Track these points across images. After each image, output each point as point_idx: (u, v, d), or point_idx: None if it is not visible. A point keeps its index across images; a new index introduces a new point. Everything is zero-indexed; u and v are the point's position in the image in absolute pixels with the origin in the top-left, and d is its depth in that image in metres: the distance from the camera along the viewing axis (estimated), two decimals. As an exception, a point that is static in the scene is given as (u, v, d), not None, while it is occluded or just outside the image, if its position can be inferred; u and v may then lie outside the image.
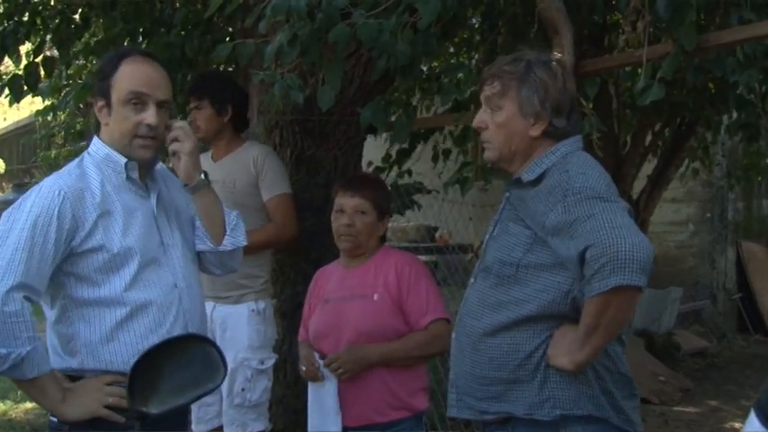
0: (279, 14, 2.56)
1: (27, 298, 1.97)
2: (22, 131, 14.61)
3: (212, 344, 2.07)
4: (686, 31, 2.53)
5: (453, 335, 2.17)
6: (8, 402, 5.91)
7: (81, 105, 5.07)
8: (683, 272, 8.18)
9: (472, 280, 2.17)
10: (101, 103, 2.15)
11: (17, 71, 4.07)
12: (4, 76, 4.15)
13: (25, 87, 3.95)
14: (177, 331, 2.13)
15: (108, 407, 2.02)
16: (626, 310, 1.89)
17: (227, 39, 3.98)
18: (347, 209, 2.73)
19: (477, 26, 4.29)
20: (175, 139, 2.22)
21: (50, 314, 2.11)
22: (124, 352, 2.05)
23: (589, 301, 1.87)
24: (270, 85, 2.75)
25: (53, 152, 6.50)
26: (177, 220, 2.27)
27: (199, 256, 2.36)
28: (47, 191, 2.04)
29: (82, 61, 4.93)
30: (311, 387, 2.71)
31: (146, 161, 2.18)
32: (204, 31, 4.04)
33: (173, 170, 2.35)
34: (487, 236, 2.18)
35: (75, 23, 4.27)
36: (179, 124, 2.25)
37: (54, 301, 2.09)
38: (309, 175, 3.79)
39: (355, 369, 2.61)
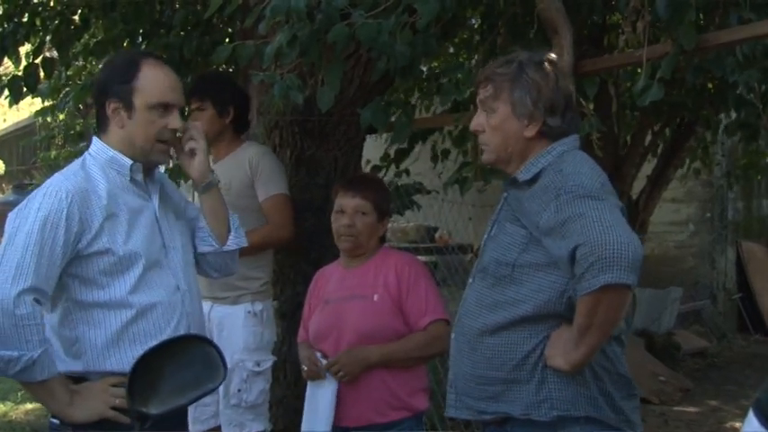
0: (278, 15, 2.56)
1: (37, 301, 1.96)
2: (22, 133, 14.61)
3: (212, 344, 2.07)
4: (685, 31, 2.53)
5: (452, 335, 2.18)
6: (8, 403, 5.91)
7: (81, 106, 5.07)
8: (683, 272, 8.18)
9: (470, 280, 2.17)
10: (117, 105, 2.13)
11: (17, 72, 4.07)
12: (4, 78, 4.15)
13: (25, 88, 3.95)
14: (181, 333, 2.13)
15: (114, 408, 2.03)
16: (617, 309, 1.88)
17: (227, 40, 3.98)
18: (348, 209, 2.73)
19: (476, 26, 4.29)
20: (191, 138, 2.25)
21: (51, 317, 2.10)
22: (130, 354, 2.04)
23: (580, 300, 1.87)
24: (269, 86, 2.76)
25: (53, 153, 6.50)
26: (177, 222, 2.28)
27: (198, 259, 2.36)
28: (54, 192, 2.02)
29: (81, 62, 4.93)
30: (310, 387, 2.71)
31: (161, 165, 2.20)
32: (203, 32, 4.05)
33: (173, 171, 2.36)
34: (485, 236, 2.18)
35: (75, 24, 4.27)
36: (194, 124, 2.29)
37: (56, 303, 2.08)
38: (309, 175, 3.79)
39: (355, 371, 2.61)
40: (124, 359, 2.04)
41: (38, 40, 4.24)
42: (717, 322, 8.07)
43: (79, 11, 4.26)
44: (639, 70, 2.72)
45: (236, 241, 2.40)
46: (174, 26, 4.06)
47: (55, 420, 2.08)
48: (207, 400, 3.13)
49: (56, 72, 4.48)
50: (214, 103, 3.38)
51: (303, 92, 2.75)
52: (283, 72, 2.70)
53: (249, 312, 3.36)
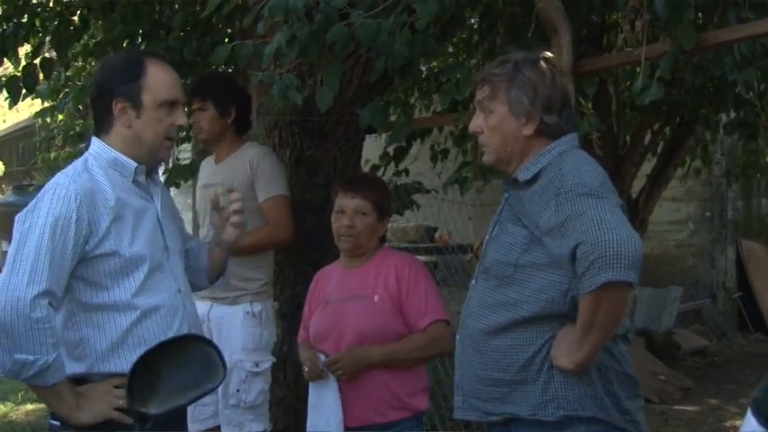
0: (276, 15, 2.56)
1: (50, 304, 1.95)
2: (22, 133, 14.60)
3: (211, 344, 2.07)
4: (684, 30, 2.53)
5: (457, 337, 2.18)
6: (8, 404, 5.91)
7: (80, 107, 5.07)
8: (683, 271, 8.18)
9: (473, 281, 2.17)
10: (124, 104, 2.12)
11: (16, 73, 4.07)
12: (3, 78, 4.15)
13: (23, 89, 3.95)
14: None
15: (117, 409, 2.03)
16: (619, 307, 1.88)
17: (226, 40, 3.98)
18: (347, 210, 2.73)
19: (475, 26, 4.29)
20: (238, 212, 2.34)
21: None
22: (133, 357, 2.02)
23: (582, 299, 1.87)
24: (269, 87, 2.76)
25: (53, 154, 6.49)
26: (173, 224, 2.28)
27: None
28: (63, 194, 2.01)
29: (81, 63, 4.93)
30: (312, 387, 2.71)
31: (165, 162, 2.20)
32: (203, 33, 4.05)
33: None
34: (487, 237, 2.18)
35: (74, 25, 4.26)
36: (238, 195, 2.37)
37: (59, 305, 2.07)
38: (309, 175, 3.79)
39: (355, 371, 2.62)
40: (127, 361, 2.03)
41: (37, 41, 4.24)
42: (717, 321, 8.07)
43: (78, 11, 4.26)
44: (639, 69, 2.72)
45: (223, 281, 2.52)
46: (173, 28, 4.06)
47: (55, 422, 2.08)
48: (206, 399, 3.13)
49: (55, 73, 4.48)
50: (215, 103, 3.38)
51: (302, 92, 2.75)
52: (282, 72, 2.70)
53: (248, 313, 3.36)
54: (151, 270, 2.11)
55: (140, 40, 4.30)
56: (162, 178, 2.66)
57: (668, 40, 2.65)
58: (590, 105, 3.02)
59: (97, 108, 2.18)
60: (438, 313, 2.67)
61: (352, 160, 3.91)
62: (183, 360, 1.96)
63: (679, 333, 7.38)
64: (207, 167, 3.61)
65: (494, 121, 2.08)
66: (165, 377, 1.93)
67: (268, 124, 3.86)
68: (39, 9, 4.18)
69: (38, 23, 4.15)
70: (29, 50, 4.30)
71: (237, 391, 3.30)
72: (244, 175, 3.38)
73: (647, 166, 5.90)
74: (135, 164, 2.14)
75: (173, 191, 3.92)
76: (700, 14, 3.03)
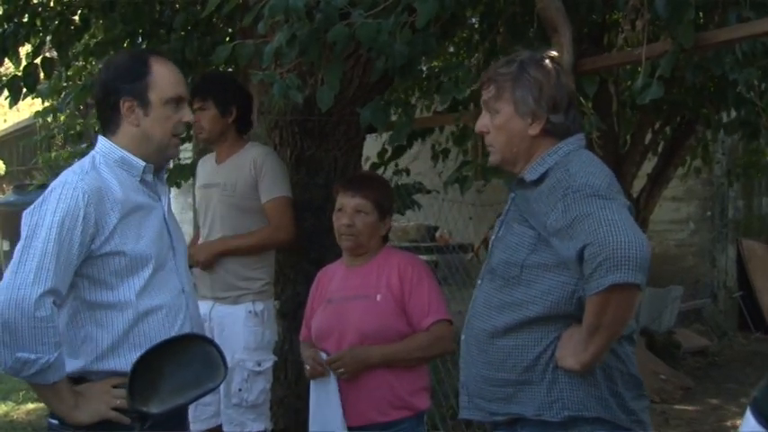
0: (277, 14, 2.56)
1: (54, 303, 1.95)
2: (22, 133, 14.61)
3: (212, 343, 2.07)
4: (685, 30, 2.53)
5: (462, 337, 2.18)
6: (9, 404, 5.92)
7: (81, 107, 5.07)
8: (684, 270, 8.17)
9: (479, 281, 2.17)
10: (131, 103, 2.12)
11: (17, 73, 4.07)
12: (4, 78, 4.15)
13: (24, 89, 3.95)
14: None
15: (115, 409, 2.02)
16: (626, 309, 1.88)
17: (227, 40, 3.98)
18: (347, 209, 2.73)
19: (476, 26, 4.29)
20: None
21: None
22: (135, 355, 2.03)
23: (589, 300, 1.87)
24: (269, 86, 2.76)
25: (53, 154, 6.50)
26: (175, 223, 2.28)
27: None
28: (71, 192, 2.00)
29: (81, 63, 4.93)
30: (314, 386, 2.71)
31: (174, 159, 2.21)
32: (204, 33, 4.05)
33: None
34: (493, 237, 2.18)
35: (75, 25, 4.27)
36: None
37: (63, 303, 2.06)
38: (309, 175, 3.79)
39: (356, 369, 2.62)
40: (128, 360, 2.03)
41: (38, 41, 4.24)
42: (717, 320, 8.07)
43: (79, 11, 4.26)
44: (639, 69, 2.72)
45: None
46: (174, 28, 4.06)
47: (54, 420, 2.08)
48: (207, 399, 3.14)
49: (56, 72, 4.48)
50: (216, 102, 3.38)
51: (303, 91, 2.75)
52: (283, 72, 2.70)
53: (250, 312, 3.36)
54: (156, 269, 2.11)
55: (141, 39, 4.30)
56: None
57: (669, 40, 2.65)
58: (590, 105, 3.02)
59: (103, 107, 2.18)
60: (441, 313, 2.67)
61: (352, 160, 3.91)
62: (184, 359, 1.97)
63: (680, 332, 7.37)
64: (206, 167, 3.60)
65: (499, 120, 2.08)
66: (167, 376, 1.93)
67: (269, 124, 3.86)
68: (39, 9, 4.18)
69: (38, 23, 4.15)
70: (29, 50, 4.30)
71: (239, 390, 3.30)
72: (247, 175, 3.38)
73: (648, 166, 5.90)
74: (143, 163, 2.14)
75: (174, 191, 3.92)
76: (700, 14, 3.03)
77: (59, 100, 4.91)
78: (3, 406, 5.88)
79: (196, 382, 1.98)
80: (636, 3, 2.68)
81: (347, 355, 2.62)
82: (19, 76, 3.95)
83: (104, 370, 2.06)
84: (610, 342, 1.93)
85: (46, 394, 2.03)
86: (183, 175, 4.51)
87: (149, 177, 2.17)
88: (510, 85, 2.05)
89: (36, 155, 7.92)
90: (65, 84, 4.98)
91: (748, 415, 1.23)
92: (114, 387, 2.03)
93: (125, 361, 2.03)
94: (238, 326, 3.34)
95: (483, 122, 2.12)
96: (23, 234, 1.99)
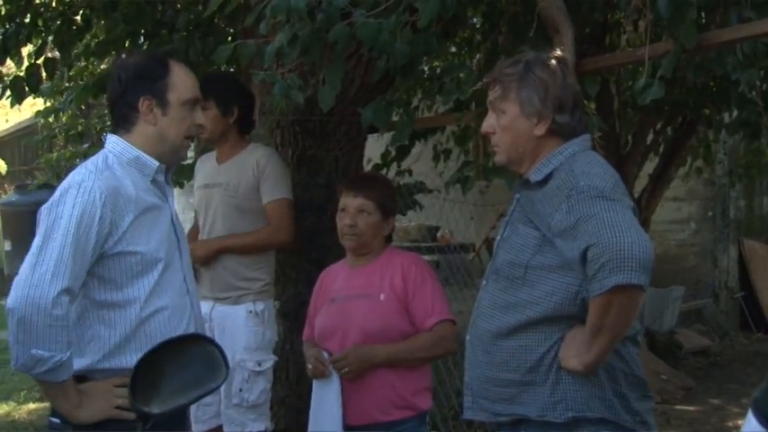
0: (278, 14, 2.57)
1: (69, 301, 1.96)
2: (24, 133, 14.62)
3: (214, 343, 2.07)
4: (687, 30, 2.53)
5: (467, 337, 2.18)
6: (11, 403, 5.92)
7: (82, 107, 5.07)
8: (685, 270, 8.16)
9: (484, 282, 2.17)
10: (150, 102, 2.14)
11: (19, 73, 4.08)
12: (6, 78, 4.15)
13: (27, 89, 3.96)
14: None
15: (118, 408, 2.03)
16: (629, 310, 1.88)
17: (229, 40, 3.98)
18: (350, 209, 2.73)
19: (478, 26, 4.29)
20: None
21: None
22: (140, 355, 2.04)
23: (592, 301, 1.87)
24: (271, 86, 2.76)
25: (55, 154, 6.51)
26: (180, 224, 2.29)
27: None
28: (88, 191, 2.01)
29: (83, 63, 4.93)
30: (316, 386, 2.71)
31: (183, 160, 2.24)
32: (205, 33, 4.05)
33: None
34: (498, 237, 2.18)
35: (77, 25, 4.27)
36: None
37: (74, 302, 2.05)
38: (310, 175, 3.79)
39: (360, 369, 2.62)
40: (132, 360, 2.02)
41: (40, 41, 4.24)
42: (719, 321, 8.06)
43: (81, 11, 4.26)
44: (641, 69, 2.72)
45: None
46: (177, 29, 4.06)
47: (55, 419, 2.08)
48: (208, 399, 3.15)
49: (57, 72, 4.48)
50: (218, 102, 3.38)
51: (304, 91, 2.75)
52: (284, 72, 2.70)
53: (251, 312, 3.36)
54: (164, 270, 2.12)
55: (143, 39, 4.30)
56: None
57: (670, 40, 2.65)
58: (592, 105, 3.02)
59: (120, 106, 2.18)
60: (444, 313, 2.67)
61: (353, 160, 3.91)
62: (185, 359, 1.97)
63: (681, 333, 7.36)
64: (207, 166, 3.60)
65: (505, 121, 2.08)
66: (168, 376, 1.93)
67: (270, 124, 3.86)
68: (41, 9, 4.18)
69: (40, 23, 4.16)
70: (31, 50, 4.31)
71: (240, 390, 3.30)
72: (250, 176, 3.39)
73: (650, 166, 5.90)
74: (156, 163, 2.15)
75: (176, 191, 3.92)
76: (702, 14, 3.03)
77: (61, 100, 4.91)
78: (4, 406, 5.89)
79: (198, 382, 1.98)
80: (638, 3, 2.68)
81: (351, 355, 2.62)
82: (21, 77, 3.95)
83: (109, 368, 2.07)
84: (613, 343, 1.93)
85: (52, 392, 2.03)
86: (184, 174, 4.51)
87: (160, 178, 2.18)
88: (516, 86, 2.05)
89: (38, 155, 7.93)
90: (66, 84, 4.98)
91: (750, 416, 1.23)
92: (117, 386, 2.04)
93: (131, 360, 2.03)
94: (239, 326, 3.34)
95: (489, 123, 2.12)
96: (41, 231, 1.99)
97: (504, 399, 2.06)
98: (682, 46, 2.57)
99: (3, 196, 12.46)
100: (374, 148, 4.38)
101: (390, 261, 2.74)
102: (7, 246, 10.11)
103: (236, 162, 3.44)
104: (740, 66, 3.04)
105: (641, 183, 5.82)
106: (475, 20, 4.22)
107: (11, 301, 1.92)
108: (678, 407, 5.80)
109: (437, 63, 4.95)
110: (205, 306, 3.25)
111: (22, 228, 9.14)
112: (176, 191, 2.80)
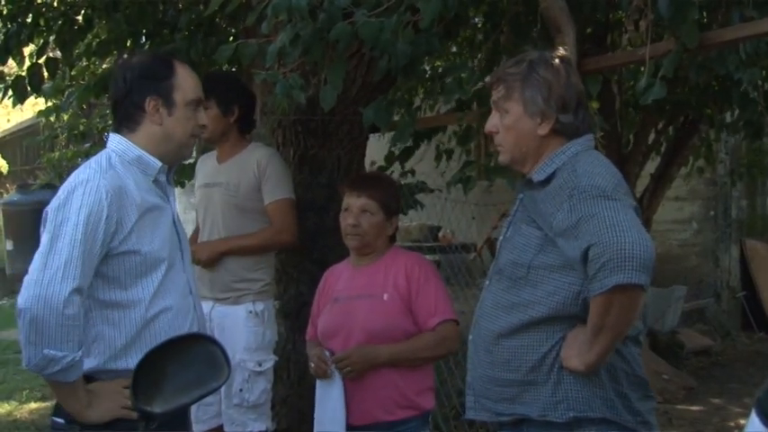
0: (280, 13, 2.57)
1: (80, 301, 1.96)
2: (25, 132, 14.64)
3: (216, 343, 2.07)
4: (688, 29, 2.53)
5: (470, 337, 2.18)
6: (13, 403, 5.92)
7: (84, 106, 5.08)
8: (687, 270, 8.16)
9: (487, 282, 2.18)
10: (157, 102, 2.14)
11: (20, 73, 4.08)
12: (8, 78, 4.16)
13: (28, 89, 3.96)
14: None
15: (126, 408, 2.02)
16: (630, 309, 1.88)
17: (231, 40, 3.98)
18: (353, 208, 2.73)
19: (479, 25, 4.29)
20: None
21: None
22: None
23: (593, 300, 1.87)
24: (273, 86, 2.76)
25: (56, 154, 6.51)
26: (181, 225, 2.29)
27: None
28: (94, 190, 2.01)
29: (85, 62, 4.93)
30: (319, 385, 2.71)
31: (187, 159, 2.25)
32: (207, 33, 4.05)
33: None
34: (501, 237, 2.19)
35: (79, 25, 4.27)
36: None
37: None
38: (312, 174, 3.79)
39: (363, 368, 2.62)
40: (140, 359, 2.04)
41: (41, 41, 4.25)
42: (720, 320, 8.06)
43: (82, 11, 4.27)
44: (642, 68, 2.72)
45: None
46: (179, 28, 4.06)
47: (59, 420, 2.08)
48: (209, 399, 3.15)
49: (59, 72, 4.49)
50: (218, 102, 3.37)
51: (306, 91, 2.75)
52: (286, 71, 2.70)
53: (251, 312, 3.36)
54: (168, 270, 2.12)
55: (144, 39, 4.31)
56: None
57: (672, 39, 2.65)
58: (594, 105, 3.02)
59: (125, 106, 2.18)
60: (447, 313, 2.67)
61: (355, 159, 3.91)
62: (187, 359, 1.97)
63: (683, 332, 7.36)
64: (207, 166, 3.59)
65: (509, 120, 2.08)
66: (170, 376, 1.93)
67: (272, 123, 3.86)
68: (43, 9, 4.19)
69: (42, 23, 4.16)
70: (33, 50, 4.31)
71: (240, 390, 3.30)
72: (251, 175, 3.38)
73: (651, 166, 5.90)
74: (159, 163, 2.15)
75: (177, 190, 3.92)
76: (704, 13, 3.03)
77: (62, 99, 4.91)
78: (6, 405, 5.89)
79: (199, 381, 1.98)
80: (639, 3, 2.68)
81: (355, 354, 2.63)
82: (23, 77, 3.96)
83: (116, 369, 2.06)
84: (614, 343, 1.93)
85: (62, 392, 2.03)
86: (185, 174, 4.51)
87: (162, 178, 2.18)
88: (519, 85, 2.06)
89: (39, 154, 7.94)
90: (68, 83, 4.98)
91: (753, 416, 1.22)
92: (125, 387, 2.03)
93: (137, 361, 2.03)
94: (239, 326, 3.34)
95: (492, 122, 2.13)
96: (49, 231, 1.99)
97: (506, 398, 2.06)
98: (683, 45, 2.56)
99: (5, 196, 12.48)
100: (378, 149, 4.39)
101: (394, 261, 2.74)
102: (9, 245, 10.12)
103: (237, 161, 3.44)
104: (742, 65, 3.04)
105: (643, 182, 5.81)
106: (477, 19, 4.22)
107: (22, 301, 1.92)
108: (680, 407, 5.80)
109: (439, 63, 4.95)
110: (205, 306, 3.24)
111: (24, 227, 9.15)
112: (177, 190, 2.80)
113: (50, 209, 2.03)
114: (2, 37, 4.08)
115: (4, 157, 17.40)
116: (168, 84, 2.16)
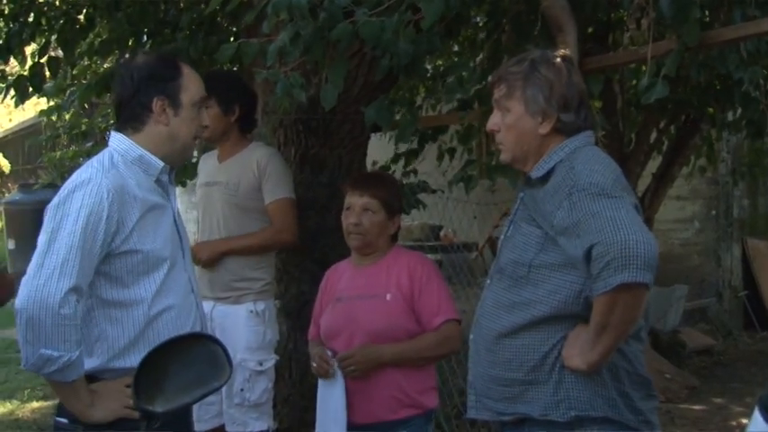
0: (280, 12, 2.56)
1: (77, 300, 1.95)
2: (27, 132, 14.65)
3: (218, 342, 2.07)
4: (690, 28, 2.53)
5: (471, 336, 2.18)
6: (15, 402, 5.93)
7: (85, 106, 5.08)
8: (689, 269, 8.15)
9: (488, 281, 2.18)
10: (164, 102, 2.15)
11: (22, 72, 4.08)
12: (10, 77, 4.16)
13: (30, 88, 3.96)
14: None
15: (128, 407, 2.02)
16: (634, 308, 1.88)
17: (232, 39, 3.98)
18: (355, 207, 2.73)
19: (481, 25, 4.29)
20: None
21: None
22: None
23: (596, 299, 1.86)
24: (274, 85, 2.76)
25: (58, 153, 6.51)
26: (182, 224, 2.29)
27: None
28: (95, 189, 2.01)
29: (86, 62, 4.94)
30: (321, 385, 2.71)
31: (189, 160, 2.25)
32: (208, 32, 4.05)
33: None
34: (502, 236, 2.19)
35: (80, 24, 4.27)
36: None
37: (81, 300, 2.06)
38: (313, 174, 3.79)
39: (366, 368, 2.62)
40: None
41: (43, 40, 4.25)
42: (722, 320, 8.05)
43: (84, 10, 4.27)
44: (644, 68, 2.72)
45: None
46: (180, 27, 4.06)
47: (61, 419, 2.08)
48: (210, 399, 3.15)
49: (61, 71, 4.49)
50: (219, 101, 3.37)
51: (307, 90, 2.75)
52: (287, 70, 2.70)
53: (251, 312, 3.36)
54: (170, 269, 2.13)
55: (146, 38, 4.31)
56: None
57: (674, 38, 2.64)
58: (600, 105, 3.02)
59: (131, 106, 2.18)
60: (450, 312, 2.67)
61: (356, 159, 3.91)
62: (189, 358, 1.97)
63: (685, 332, 7.35)
64: (208, 165, 3.60)
65: (510, 119, 2.08)
66: (172, 375, 1.93)
67: (273, 123, 3.86)
68: (45, 8, 4.19)
69: (44, 22, 4.16)
70: (35, 49, 4.31)
71: (241, 390, 3.30)
72: (251, 175, 3.38)
73: (653, 165, 5.89)
74: (161, 163, 2.16)
75: (178, 189, 3.92)
76: (705, 12, 3.03)
77: (64, 99, 4.92)
78: (8, 404, 5.89)
79: (201, 381, 1.98)
80: (641, 1, 2.68)
81: (358, 353, 2.63)
82: (25, 76, 3.96)
83: (119, 368, 2.06)
84: (617, 342, 1.93)
85: (64, 392, 2.03)
86: (187, 173, 4.51)
87: (164, 177, 2.19)
88: (521, 84, 2.06)
89: (41, 154, 7.94)
90: (69, 83, 4.98)
91: (756, 414, 1.23)
92: (128, 386, 2.03)
93: (140, 360, 2.03)
94: (240, 326, 3.34)
95: (494, 121, 2.13)
96: (47, 229, 1.99)
97: (508, 398, 2.06)
98: (685, 44, 2.56)
99: (6, 195, 12.48)
100: (383, 150, 4.39)
101: (396, 260, 2.74)
102: (11, 245, 10.12)
103: (237, 161, 3.44)
104: (744, 64, 3.03)
105: (644, 181, 5.81)
106: (478, 19, 4.22)
107: (19, 300, 1.92)
108: (682, 406, 5.79)
109: (440, 62, 4.94)
110: (206, 306, 3.23)
111: (26, 227, 9.15)
112: (178, 190, 2.80)
113: (50, 208, 2.03)
114: (4, 36, 4.08)
115: (5, 157, 17.43)
116: (175, 84, 2.16)
